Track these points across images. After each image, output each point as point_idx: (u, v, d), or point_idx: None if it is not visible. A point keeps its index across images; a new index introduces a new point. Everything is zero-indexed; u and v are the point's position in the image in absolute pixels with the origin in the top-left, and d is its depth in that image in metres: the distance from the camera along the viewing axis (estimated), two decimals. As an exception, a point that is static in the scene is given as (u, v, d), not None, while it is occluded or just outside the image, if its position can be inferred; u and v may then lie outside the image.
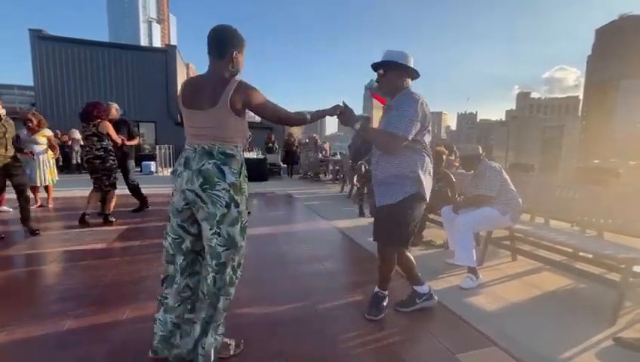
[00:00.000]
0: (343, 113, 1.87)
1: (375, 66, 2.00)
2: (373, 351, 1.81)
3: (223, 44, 1.54)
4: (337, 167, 9.90)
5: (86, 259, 3.07)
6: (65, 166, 11.32)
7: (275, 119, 1.65)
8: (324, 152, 11.40)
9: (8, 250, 3.24)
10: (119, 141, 4.41)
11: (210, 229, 1.51)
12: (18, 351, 1.71)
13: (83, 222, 4.16)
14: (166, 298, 1.62)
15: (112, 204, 4.45)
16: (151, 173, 11.34)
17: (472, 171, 3.16)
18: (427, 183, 1.98)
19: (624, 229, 2.79)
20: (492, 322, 2.11)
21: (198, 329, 1.57)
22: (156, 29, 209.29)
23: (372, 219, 4.97)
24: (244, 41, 1.61)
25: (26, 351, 1.72)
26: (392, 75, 1.95)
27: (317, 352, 1.78)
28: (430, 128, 1.98)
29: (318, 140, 12.21)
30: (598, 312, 2.29)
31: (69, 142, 11.41)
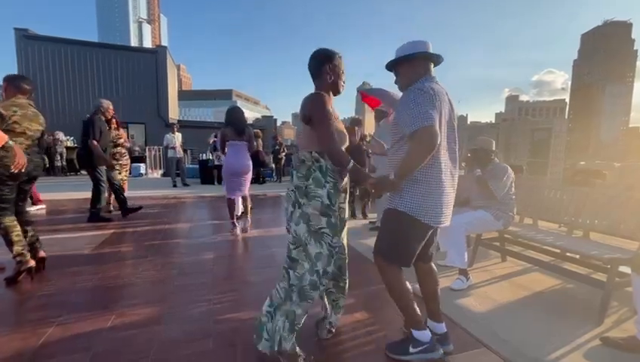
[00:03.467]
0: (376, 187, 1.63)
1: (389, 68, 1.79)
2: (363, 354, 1.79)
3: (323, 58, 1.69)
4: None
5: (71, 264, 2.98)
6: (49, 168, 11.03)
7: (321, 141, 1.59)
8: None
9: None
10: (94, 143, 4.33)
11: (290, 222, 1.71)
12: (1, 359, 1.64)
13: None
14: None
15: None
16: (140, 175, 11.17)
17: (478, 169, 3.03)
18: (432, 198, 1.59)
19: (610, 230, 2.84)
20: (482, 323, 2.12)
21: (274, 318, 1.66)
22: (147, 29, 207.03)
23: (364, 221, 4.99)
24: (334, 55, 1.70)
25: (5, 360, 1.65)
26: (402, 71, 1.71)
27: (308, 354, 1.75)
28: (447, 128, 1.60)
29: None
30: (585, 312, 2.32)
31: (52, 143, 11.10)
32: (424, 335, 1.69)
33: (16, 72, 12.96)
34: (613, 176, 6.93)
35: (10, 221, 2.48)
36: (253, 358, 1.73)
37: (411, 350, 1.68)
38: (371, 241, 3.88)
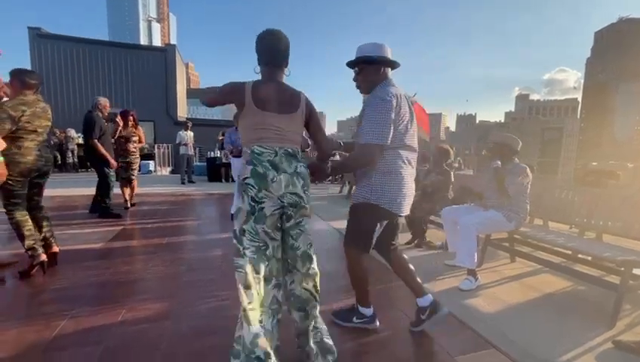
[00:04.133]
0: (315, 173, 1.72)
1: (351, 65, 1.87)
2: (371, 352, 1.79)
3: (288, 51, 1.58)
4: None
5: (82, 259, 3.04)
6: (61, 164, 11.25)
7: (319, 142, 1.68)
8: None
9: (4, 249, 3.21)
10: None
11: (306, 225, 1.59)
12: (10, 352, 1.69)
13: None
14: (253, 309, 1.43)
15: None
16: (149, 172, 11.31)
17: (499, 161, 2.96)
18: (396, 190, 1.76)
19: (623, 231, 2.78)
20: (491, 324, 2.10)
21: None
22: (156, 28, 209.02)
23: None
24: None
25: (18, 352, 1.70)
26: (367, 71, 1.80)
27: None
28: (410, 127, 1.77)
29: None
30: (597, 315, 2.28)
31: (64, 140, 11.32)
32: (368, 311, 2.00)
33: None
34: (627, 177, 6.79)
35: (22, 216, 2.52)
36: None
37: (354, 320, 2.00)
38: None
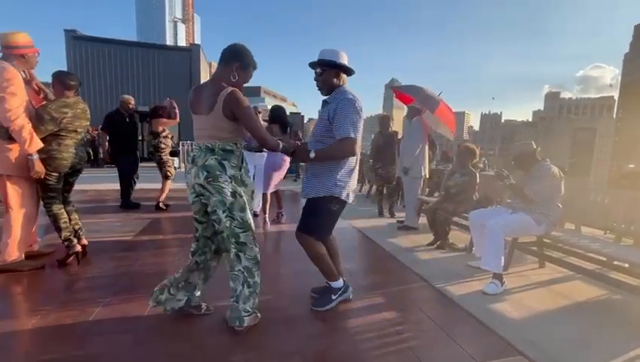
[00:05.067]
0: (295, 151, 1.99)
1: (313, 65, 2.08)
2: (392, 353, 1.77)
3: (231, 53, 1.79)
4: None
5: (114, 249, 3.20)
6: (93, 160, 11.83)
7: (255, 135, 1.82)
8: None
9: (43, 240, 3.42)
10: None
11: (224, 213, 1.74)
12: (50, 335, 1.81)
13: (159, 208, 4.94)
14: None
15: (164, 194, 5.05)
16: (175, 168, 11.69)
17: (524, 172, 2.93)
18: (352, 184, 2.11)
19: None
20: (518, 331, 2.02)
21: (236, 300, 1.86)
22: (181, 28, 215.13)
23: (391, 220, 4.93)
24: (250, 61, 1.83)
25: (58, 335, 1.81)
26: (328, 73, 2.03)
27: (334, 352, 1.77)
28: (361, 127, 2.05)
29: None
30: (634, 326, 2.15)
31: (96, 137, 11.88)
32: (339, 283, 2.19)
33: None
34: (669, 181, 6.34)
35: (58, 209, 2.68)
36: (285, 346, 1.77)
37: (333, 297, 2.17)
38: (400, 240, 3.85)
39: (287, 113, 4.53)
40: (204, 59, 17.55)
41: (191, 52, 15.76)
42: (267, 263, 3.09)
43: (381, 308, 2.25)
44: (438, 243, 3.71)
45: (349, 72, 2.09)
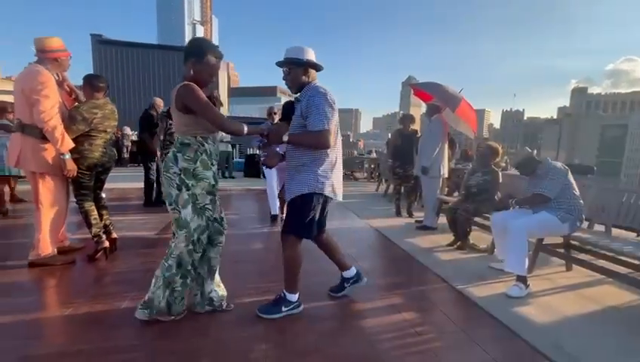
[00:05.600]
0: (269, 134, 1.97)
1: (280, 64, 2.06)
2: (412, 354, 1.75)
3: (186, 52, 1.88)
4: (373, 165, 9.76)
5: (138, 246, 3.31)
6: (118, 160, 12.26)
7: (213, 124, 1.84)
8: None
9: (74, 236, 3.59)
10: None
11: (170, 205, 1.85)
12: (81, 326, 1.90)
13: None
14: None
15: None
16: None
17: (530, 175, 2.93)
18: (335, 179, 2.07)
19: None
20: (546, 336, 1.95)
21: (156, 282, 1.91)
22: (200, 30, 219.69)
23: (409, 220, 4.86)
24: (205, 51, 1.86)
25: (88, 326, 1.90)
26: (295, 72, 2.00)
27: (354, 351, 1.77)
28: (338, 122, 2.05)
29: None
30: (672, 334, 2.03)
31: (120, 137, 12.30)
32: (294, 297, 2.09)
33: (91, 71, 14.60)
34: None
35: (89, 206, 2.82)
36: (304, 344, 1.79)
37: (283, 309, 2.05)
38: (418, 240, 3.79)
39: None
40: (222, 60, 17.86)
41: (209, 53, 16.07)
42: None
43: (400, 308, 2.23)
44: (458, 243, 3.63)
45: (316, 67, 2.05)
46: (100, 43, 14.56)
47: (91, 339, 1.76)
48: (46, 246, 2.64)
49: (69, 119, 2.57)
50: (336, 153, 2.07)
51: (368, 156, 10.97)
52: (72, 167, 2.56)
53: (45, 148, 2.52)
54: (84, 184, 2.76)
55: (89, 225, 2.81)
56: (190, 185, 1.82)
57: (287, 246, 2.04)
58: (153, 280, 1.91)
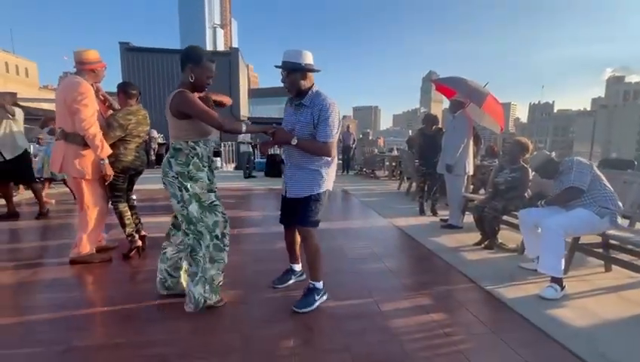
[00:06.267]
0: (276, 133, 2.06)
1: (279, 67, 2.10)
2: (441, 356, 1.72)
3: (183, 58, 1.96)
4: (394, 163, 9.62)
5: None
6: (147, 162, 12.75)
7: (212, 126, 1.97)
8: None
9: (109, 235, 3.77)
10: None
11: (178, 203, 1.98)
12: (117, 321, 2.01)
13: None
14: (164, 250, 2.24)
15: None
16: (217, 168, 12.29)
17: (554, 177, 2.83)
18: (331, 177, 2.20)
19: None
20: (584, 340, 1.85)
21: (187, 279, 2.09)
22: (219, 33, 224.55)
23: (434, 218, 4.75)
24: (200, 56, 1.94)
25: (123, 321, 2.00)
26: (294, 76, 2.03)
27: (382, 351, 1.76)
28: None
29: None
30: None
31: (148, 140, 12.80)
32: (321, 284, 2.19)
33: (120, 80, 15.22)
34: None
35: (124, 207, 2.99)
36: (333, 342, 1.79)
37: (316, 298, 2.15)
38: (444, 239, 3.71)
39: None
40: (242, 62, 18.16)
41: (230, 56, 16.39)
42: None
43: (428, 308, 2.19)
44: (485, 243, 3.52)
45: (314, 70, 2.11)
46: (128, 50, 15.19)
47: (127, 334, 1.86)
48: (86, 246, 2.82)
49: (107, 126, 2.76)
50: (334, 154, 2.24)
51: (389, 154, 10.81)
52: (110, 172, 2.74)
53: (86, 155, 2.69)
54: (119, 186, 2.93)
55: (123, 225, 2.97)
56: (189, 186, 1.96)
57: (309, 238, 2.13)
58: (186, 277, 2.03)
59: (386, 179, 9.69)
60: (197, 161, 1.99)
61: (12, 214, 4.35)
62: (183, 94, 1.88)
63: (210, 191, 2.06)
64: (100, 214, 2.88)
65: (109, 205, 3.01)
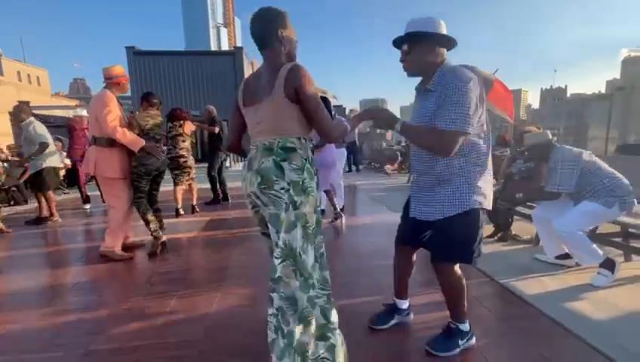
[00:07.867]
0: (378, 115, 1.55)
1: (398, 42, 1.58)
2: (459, 353, 1.70)
3: (265, 24, 1.39)
4: (402, 157, 9.54)
5: (180, 246, 3.50)
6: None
7: (317, 123, 1.39)
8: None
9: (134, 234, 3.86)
10: (216, 130, 5.36)
11: (277, 233, 1.35)
12: (135, 322, 2.04)
13: (179, 215, 4.89)
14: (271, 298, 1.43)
15: (195, 195, 5.16)
16: (226, 168, 12.38)
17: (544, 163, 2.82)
18: (488, 191, 1.62)
19: None
20: (605, 333, 1.81)
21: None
22: (223, 32, 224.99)
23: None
24: (282, 15, 1.41)
25: (142, 322, 2.04)
26: (419, 49, 1.52)
27: (398, 348, 1.76)
28: (484, 113, 1.51)
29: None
30: None
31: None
32: (467, 325, 1.73)
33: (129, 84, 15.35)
34: None
35: (146, 206, 3.21)
36: (352, 340, 1.79)
37: (460, 342, 1.70)
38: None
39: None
40: (247, 60, 18.17)
41: (235, 55, 16.42)
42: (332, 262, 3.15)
43: (442, 305, 2.14)
44: (499, 235, 3.46)
45: (448, 43, 1.54)
46: (135, 54, 15.38)
47: (145, 336, 1.89)
48: (111, 241, 3.08)
49: (128, 126, 3.08)
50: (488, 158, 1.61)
51: (398, 147, 10.71)
52: (152, 149, 3.08)
53: (113, 156, 2.97)
54: (141, 188, 3.14)
55: (147, 223, 3.18)
56: (299, 202, 1.34)
57: (451, 280, 1.67)
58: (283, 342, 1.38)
59: (395, 173, 9.61)
60: (309, 166, 1.40)
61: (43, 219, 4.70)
62: (302, 69, 1.33)
63: (316, 212, 1.42)
64: (127, 213, 3.16)
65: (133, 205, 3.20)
